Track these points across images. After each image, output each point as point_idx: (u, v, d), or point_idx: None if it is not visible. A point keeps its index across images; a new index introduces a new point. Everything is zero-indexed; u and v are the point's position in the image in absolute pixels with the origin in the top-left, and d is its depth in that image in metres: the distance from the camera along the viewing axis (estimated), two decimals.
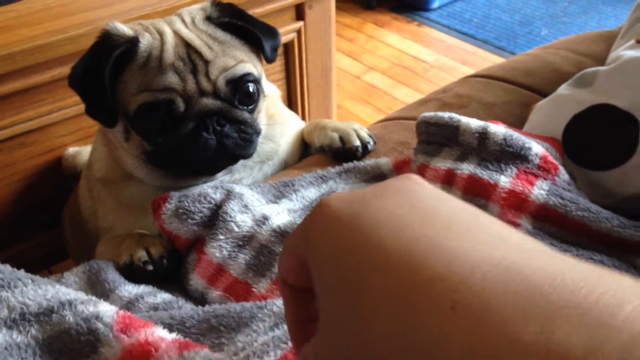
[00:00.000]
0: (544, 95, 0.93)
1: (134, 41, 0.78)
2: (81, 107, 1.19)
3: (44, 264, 1.37)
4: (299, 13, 1.41)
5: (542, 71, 0.99)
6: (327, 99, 1.61)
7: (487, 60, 2.60)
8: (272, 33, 0.88)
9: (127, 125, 0.82)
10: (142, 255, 0.78)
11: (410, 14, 2.94)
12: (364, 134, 0.94)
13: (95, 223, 0.96)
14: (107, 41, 0.80)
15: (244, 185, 0.85)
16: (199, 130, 0.79)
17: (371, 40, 2.80)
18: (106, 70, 0.77)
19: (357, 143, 0.92)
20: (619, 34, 0.87)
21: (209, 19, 0.83)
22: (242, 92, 0.82)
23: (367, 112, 2.40)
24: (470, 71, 2.53)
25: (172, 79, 0.77)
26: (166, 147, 0.80)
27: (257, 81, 0.84)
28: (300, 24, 1.41)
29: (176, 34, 0.80)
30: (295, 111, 1.53)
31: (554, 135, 0.75)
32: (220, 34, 0.82)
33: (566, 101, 0.75)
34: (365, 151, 0.93)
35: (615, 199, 0.71)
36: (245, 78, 0.82)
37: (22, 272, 0.54)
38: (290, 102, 1.52)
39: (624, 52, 0.72)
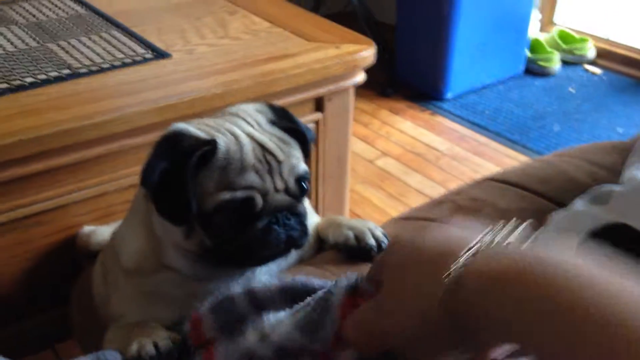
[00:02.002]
0: (558, 203, 0.94)
1: (211, 143, 0.81)
2: (101, 187, 1.22)
3: (50, 340, 1.36)
4: (319, 105, 1.45)
5: (557, 179, 1.00)
6: (341, 187, 1.63)
7: (500, 152, 2.64)
8: (311, 132, 0.94)
9: (195, 223, 0.83)
10: (150, 349, 0.78)
11: (424, 102, 3.01)
12: (379, 233, 0.95)
13: (107, 309, 0.96)
14: (182, 142, 0.82)
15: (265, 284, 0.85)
16: (271, 225, 0.84)
17: (385, 126, 2.86)
18: (187, 171, 0.79)
19: (373, 242, 0.93)
20: (632, 149, 0.89)
21: (272, 122, 0.87)
22: (302, 188, 0.88)
23: (378, 196, 2.41)
24: (482, 161, 2.58)
25: (253, 178, 0.82)
26: (238, 243, 0.84)
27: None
28: (320, 115, 1.45)
29: (249, 136, 0.84)
30: (309, 198, 1.54)
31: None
32: (284, 136, 0.88)
33: (582, 217, 0.76)
34: (380, 251, 0.93)
35: None
36: (305, 175, 0.87)
37: None
38: None
39: (638, 172, 0.73)
